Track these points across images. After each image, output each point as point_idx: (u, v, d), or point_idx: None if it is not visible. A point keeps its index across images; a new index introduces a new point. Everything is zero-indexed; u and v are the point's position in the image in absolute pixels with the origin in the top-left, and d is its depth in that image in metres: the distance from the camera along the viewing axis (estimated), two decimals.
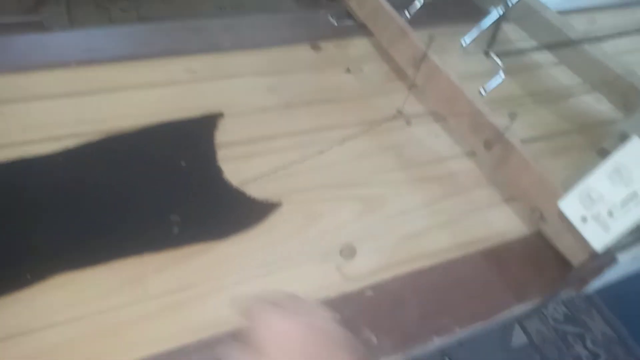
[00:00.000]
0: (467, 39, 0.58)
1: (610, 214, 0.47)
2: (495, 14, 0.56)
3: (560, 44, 0.67)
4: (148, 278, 0.46)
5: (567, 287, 0.52)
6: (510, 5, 0.56)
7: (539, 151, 0.68)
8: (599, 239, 0.48)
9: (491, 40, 0.54)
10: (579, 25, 0.80)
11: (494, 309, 0.50)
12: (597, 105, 0.77)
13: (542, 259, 0.54)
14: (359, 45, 0.80)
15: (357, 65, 0.76)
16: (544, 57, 0.82)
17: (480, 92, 0.55)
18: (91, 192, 0.51)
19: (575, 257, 0.51)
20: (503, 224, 0.58)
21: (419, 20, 0.74)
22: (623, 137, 0.47)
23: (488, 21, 0.56)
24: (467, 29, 0.63)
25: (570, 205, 0.50)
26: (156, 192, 0.53)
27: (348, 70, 0.75)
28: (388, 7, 0.72)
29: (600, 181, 0.48)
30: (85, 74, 0.65)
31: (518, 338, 1.34)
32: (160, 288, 0.46)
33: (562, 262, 0.53)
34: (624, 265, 0.49)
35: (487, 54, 0.55)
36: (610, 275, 0.51)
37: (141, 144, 0.58)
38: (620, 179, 0.46)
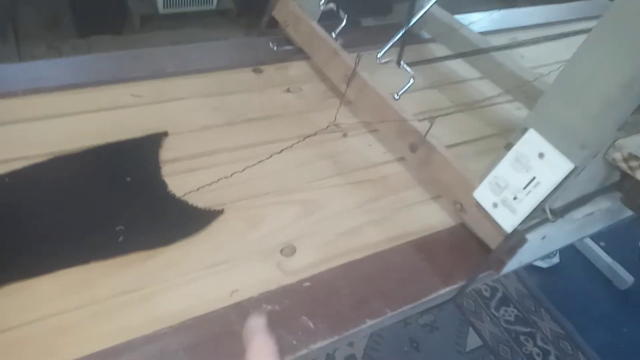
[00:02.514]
0: (379, 54, 0.64)
1: (516, 198, 0.52)
2: (402, 30, 0.63)
3: (471, 53, 0.75)
4: (96, 283, 0.49)
5: (488, 269, 0.57)
6: (412, 22, 0.64)
7: (464, 154, 0.74)
8: (508, 221, 0.53)
9: (400, 52, 0.61)
10: (498, 42, 0.89)
11: (423, 292, 0.54)
12: (517, 112, 0.85)
13: (466, 246, 0.60)
14: (297, 68, 0.86)
15: (297, 85, 0.82)
16: (470, 72, 0.90)
17: (393, 97, 0.61)
18: (38, 208, 0.54)
19: (493, 241, 0.57)
20: (431, 218, 0.63)
21: (351, 43, 0.81)
22: (524, 132, 0.53)
23: (396, 36, 0.63)
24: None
25: (483, 194, 0.56)
26: (102, 206, 0.56)
27: (288, 90, 0.81)
28: (320, 31, 0.78)
29: (505, 170, 0.54)
30: (32, 101, 0.68)
31: (472, 341, 1.40)
32: (108, 291, 0.48)
33: (484, 248, 0.58)
34: (536, 244, 0.55)
35: (398, 63, 0.61)
36: (525, 256, 0.56)
37: (88, 163, 0.61)
38: (521, 166, 0.52)
